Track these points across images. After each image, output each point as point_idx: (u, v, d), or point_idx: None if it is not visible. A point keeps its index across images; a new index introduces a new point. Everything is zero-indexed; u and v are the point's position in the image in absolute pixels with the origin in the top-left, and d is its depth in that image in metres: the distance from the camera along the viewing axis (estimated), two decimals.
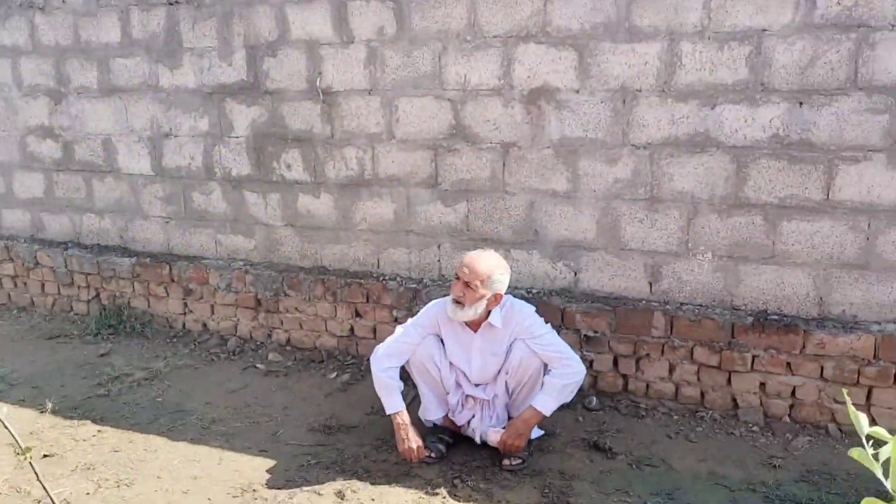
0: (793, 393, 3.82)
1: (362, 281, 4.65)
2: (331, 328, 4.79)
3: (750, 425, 3.86)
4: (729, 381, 3.93)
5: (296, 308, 4.86)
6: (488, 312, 3.55)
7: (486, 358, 3.60)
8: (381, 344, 3.67)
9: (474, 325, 3.60)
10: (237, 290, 5.02)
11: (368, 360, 4.55)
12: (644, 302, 4.07)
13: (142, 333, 5.35)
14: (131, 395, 4.42)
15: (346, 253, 4.78)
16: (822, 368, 3.75)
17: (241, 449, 3.79)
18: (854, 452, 1.74)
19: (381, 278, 4.65)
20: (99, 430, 4.00)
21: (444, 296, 4.06)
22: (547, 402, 3.47)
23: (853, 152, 3.59)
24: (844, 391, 1.94)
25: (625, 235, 4.06)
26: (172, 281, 5.27)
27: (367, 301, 4.64)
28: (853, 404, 3.69)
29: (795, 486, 3.38)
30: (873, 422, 3.70)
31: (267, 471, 3.58)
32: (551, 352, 3.51)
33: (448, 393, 3.69)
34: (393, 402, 3.57)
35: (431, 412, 3.74)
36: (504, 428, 3.58)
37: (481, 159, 4.28)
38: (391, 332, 4.42)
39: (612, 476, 3.49)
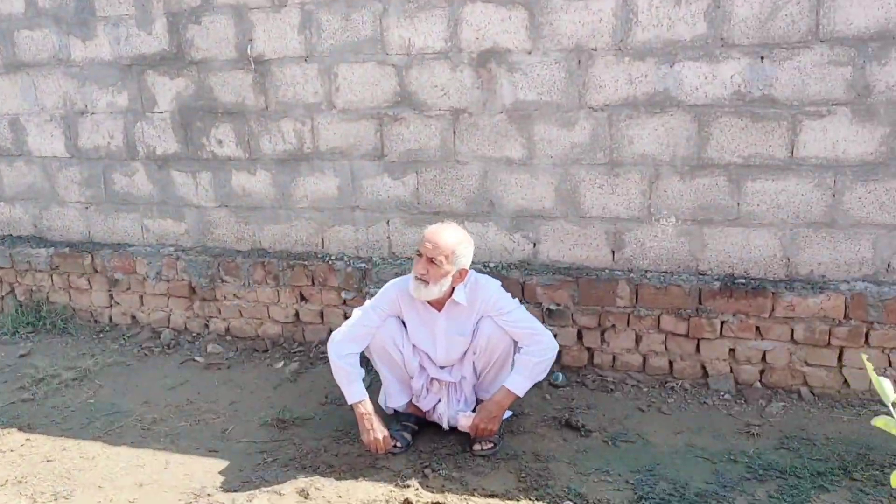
0: (763, 358, 3.73)
1: (306, 262, 4.36)
2: (274, 314, 4.49)
3: (722, 393, 3.75)
4: (697, 349, 3.81)
5: (234, 295, 4.53)
6: (452, 289, 3.32)
7: (452, 338, 3.38)
8: (337, 329, 3.41)
9: (438, 304, 3.36)
10: (168, 279, 4.67)
11: (317, 346, 4.33)
12: (607, 271, 3.91)
13: (64, 330, 4.94)
14: (60, 398, 4.04)
15: (286, 233, 4.48)
16: (792, 331, 3.66)
17: (189, 450, 3.48)
18: (879, 422, 1.59)
19: (326, 259, 4.36)
20: (28, 439, 3.63)
21: (397, 275, 3.83)
22: (520, 382, 3.27)
23: (817, 107, 3.47)
24: (864, 356, 1.77)
25: (585, 202, 3.88)
26: (95, 271, 4.87)
27: (313, 284, 4.36)
28: (822, 367, 3.63)
29: (776, 453, 3.28)
30: (846, 384, 3.64)
31: (220, 472, 3.29)
32: (522, 328, 3.31)
33: (412, 377, 3.46)
34: (354, 391, 3.32)
35: (394, 398, 3.51)
36: (474, 411, 3.37)
37: (430, 128, 4.03)
38: (340, 317, 4.17)
39: (588, 455, 3.33)
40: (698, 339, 3.79)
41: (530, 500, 3.01)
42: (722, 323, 3.73)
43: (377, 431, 3.29)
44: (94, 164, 4.85)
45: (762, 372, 3.75)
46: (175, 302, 4.70)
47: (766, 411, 3.61)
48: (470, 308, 3.34)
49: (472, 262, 3.62)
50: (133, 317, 4.86)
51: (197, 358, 4.44)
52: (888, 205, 3.48)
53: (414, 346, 3.43)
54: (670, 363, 3.87)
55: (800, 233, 3.62)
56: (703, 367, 3.83)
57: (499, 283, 3.41)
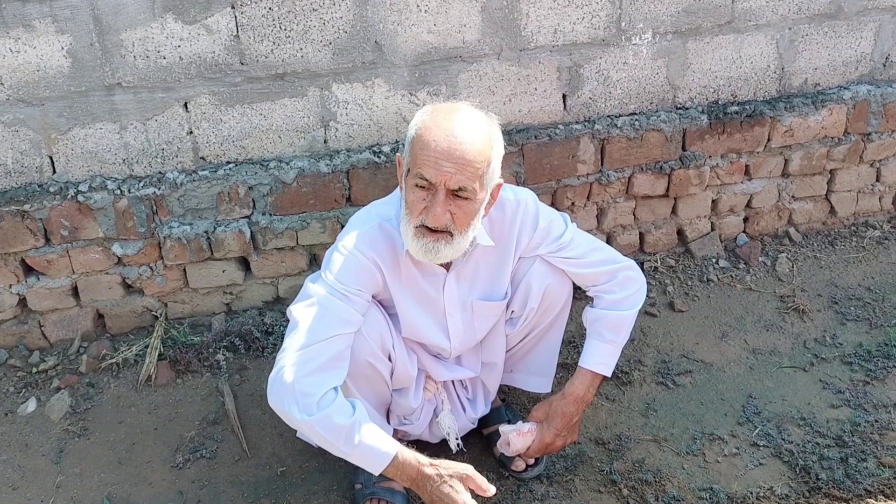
0: (748, 204, 2.85)
1: (25, 206, 2.26)
2: None
3: (714, 261, 2.83)
4: (674, 209, 2.79)
5: None
6: None
7: (476, 307, 1.86)
8: (282, 353, 1.62)
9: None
10: None
11: (81, 350, 2.42)
12: (561, 127, 2.58)
13: None
14: None
15: None
16: (786, 162, 2.81)
17: None
18: None
19: (67, 191, 2.30)
20: None
21: (220, 195, 2.15)
22: (609, 355, 1.91)
23: None
24: None
25: (528, 25, 2.42)
26: None
27: (47, 241, 2.31)
28: (810, 198, 2.89)
29: (845, 329, 2.61)
30: (832, 212, 2.96)
31: None
32: (595, 264, 1.90)
33: (397, 391, 1.90)
34: (380, 446, 1.61)
35: None
36: (529, 421, 1.94)
37: None
38: (113, 287, 2.36)
39: (662, 416, 2.29)
40: (675, 199, 2.77)
41: None
42: (710, 169, 2.73)
43: (462, 493, 1.65)
44: None
45: (746, 220, 2.90)
46: None
47: (776, 272, 2.82)
48: (502, 248, 1.84)
49: (337, 152, 2.09)
50: None
51: None
52: None
53: (404, 338, 1.85)
54: (641, 236, 2.81)
55: (800, 31, 2.66)
56: (680, 233, 2.85)
57: (532, 192, 1.91)
